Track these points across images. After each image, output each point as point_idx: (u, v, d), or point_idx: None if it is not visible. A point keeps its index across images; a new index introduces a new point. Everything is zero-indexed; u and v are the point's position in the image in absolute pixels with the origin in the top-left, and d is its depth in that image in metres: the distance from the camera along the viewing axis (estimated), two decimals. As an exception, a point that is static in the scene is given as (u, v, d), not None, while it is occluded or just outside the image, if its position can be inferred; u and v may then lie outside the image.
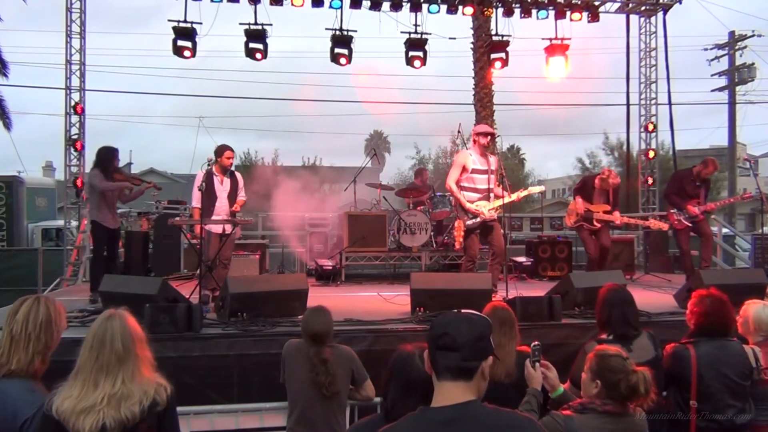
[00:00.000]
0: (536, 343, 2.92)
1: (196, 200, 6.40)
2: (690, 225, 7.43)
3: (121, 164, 7.41)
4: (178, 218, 6.40)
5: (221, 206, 6.47)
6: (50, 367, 2.44)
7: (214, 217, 6.36)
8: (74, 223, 9.98)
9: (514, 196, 6.41)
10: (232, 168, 6.70)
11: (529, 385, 2.85)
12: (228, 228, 6.43)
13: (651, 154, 11.51)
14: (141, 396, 2.07)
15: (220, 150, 6.53)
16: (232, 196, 6.57)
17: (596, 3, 10.51)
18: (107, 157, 6.90)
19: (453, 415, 1.60)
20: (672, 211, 7.56)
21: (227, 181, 6.55)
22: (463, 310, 1.80)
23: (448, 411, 1.62)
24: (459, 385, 1.65)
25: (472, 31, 12.15)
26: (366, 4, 9.58)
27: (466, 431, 1.59)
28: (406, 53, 9.84)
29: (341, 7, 9.45)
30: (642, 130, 11.64)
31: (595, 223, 7.46)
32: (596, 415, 2.50)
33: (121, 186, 7.02)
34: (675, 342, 3.47)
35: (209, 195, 6.34)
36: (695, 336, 3.40)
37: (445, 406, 1.63)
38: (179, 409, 2.32)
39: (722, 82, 22.08)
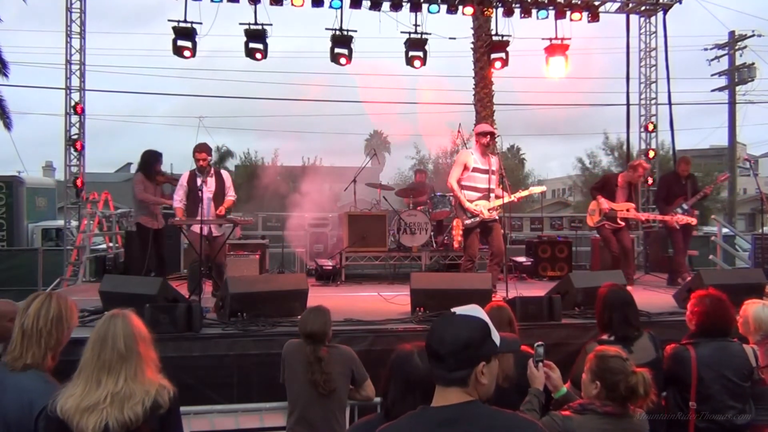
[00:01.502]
0: (540, 342, 2.91)
1: (177, 200, 6.33)
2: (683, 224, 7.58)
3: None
4: (178, 218, 6.35)
5: (205, 207, 6.13)
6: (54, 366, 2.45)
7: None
8: (74, 223, 9.97)
9: (514, 197, 6.42)
10: (220, 164, 6.63)
11: (531, 385, 2.85)
12: (214, 230, 6.26)
13: (651, 154, 11.50)
14: (143, 396, 2.07)
15: (192, 151, 6.37)
16: (218, 197, 6.36)
17: (596, 3, 10.49)
18: (149, 160, 7.39)
19: (452, 415, 1.60)
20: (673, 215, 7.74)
21: (211, 181, 6.32)
22: (459, 311, 1.75)
23: (448, 411, 1.62)
24: (453, 390, 1.65)
25: (472, 31, 12.15)
26: (366, 4, 9.57)
27: (465, 431, 1.59)
28: (406, 53, 9.83)
29: (341, 7, 9.45)
30: (642, 130, 11.62)
31: (618, 221, 7.33)
32: (596, 416, 2.50)
33: (156, 202, 7.48)
34: (675, 342, 3.47)
35: (193, 196, 6.17)
36: (695, 336, 3.40)
37: (445, 405, 1.63)
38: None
39: (722, 82, 22.11)
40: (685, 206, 7.67)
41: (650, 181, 11.49)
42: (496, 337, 1.73)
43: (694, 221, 7.62)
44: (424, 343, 1.84)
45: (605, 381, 2.54)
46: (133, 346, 2.13)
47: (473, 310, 1.77)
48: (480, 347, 1.66)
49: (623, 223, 7.39)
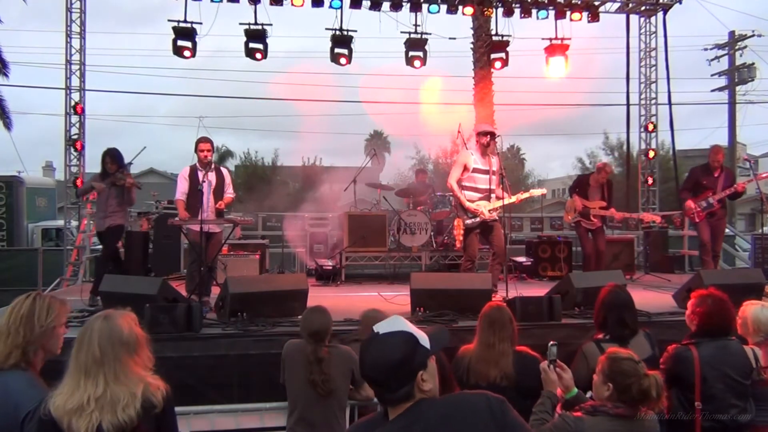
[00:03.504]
0: (553, 342, 2.91)
1: (180, 192, 6.27)
2: (706, 215, 7.31)
3: (128, 165, 7.12)
4: (178, 218, 6.34)
5: (205, 203, 6.08)
6: (50, 367, 2.43)
7: (198, 215, 5.97)
8: (74, 223, 9.97)
9: (515, 198, 6.42)
10: (220, 163, 6.55)
11: (545, 388, 2.85)
12: (213, 227, 6.21)
13: (651, 154, 11.50)
14: (129, 398, 2.05)
15: (195, 143, 6.29)
16: (218, 193, 6.31)
17: (596, 3, 10.50)
18: (101, 159, 6.80)
19: (406, 422, 1.63)
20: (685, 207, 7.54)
21: (212, 175, 6.26)
22: (381, 329, 1.71)
23: (401, 420, 1.65)
24: (402, 405, 1.66)
25: (472, 31, 12.16)
26: (366, 4, 9.58)
27: (422, 430, 1.62)
28: (406, 53, 9.84)
29: (341, 7, 9.46)
30: (642, 130, 11.63)
31: (592, 218, 7.69)
32: (607, 418, 2.51)
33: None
34: (675, 342, 3.47)
35: (193, 191, 6.12)
36: (697, 336, 3.39)
37: (397, 416, 1.66)
38: (179, 409, 2.31)
39: (722, 82, 22.11)
40: (711, 200, 7.29)
41: (650, 181, 11.51)
42: (424, 341, 1.70)
43: (657, 219, 8.06)
44: None
45: (617, 383, 2.55)
46: (108, 351, 2.09)
47: (395, 323, 1.73)
48: (413, 360, 1.66)
49: (598, 222, 7.74)
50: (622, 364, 2.58)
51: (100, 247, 7.23)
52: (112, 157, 6.70)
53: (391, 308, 5.82)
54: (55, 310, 2.43)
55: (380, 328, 1.72)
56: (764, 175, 7.71)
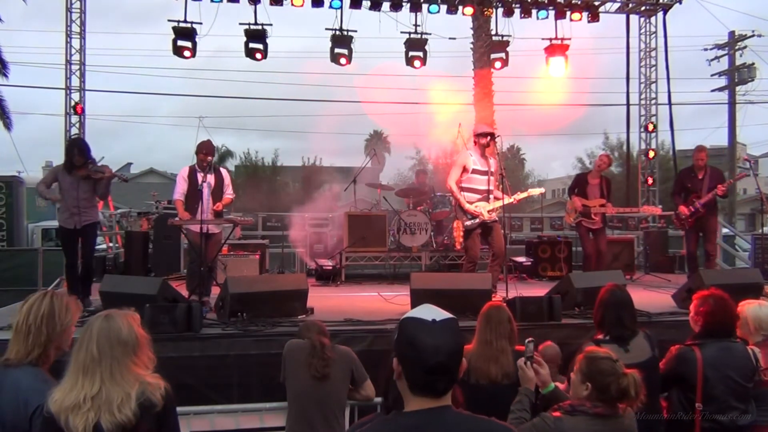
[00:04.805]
0: (530, 339, 2.92)
1: (179, 193, 6.26)
2: (694, 221, 7.25)
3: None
4: (177, 218, 6.34)
5: (204, 204, 6.01)
6: (54, 366, 2.44)
7: (196, 216, 5.96)
8: (74, 223, 9.95)
9: (513, 198, 6.41)
10: (220, 163, 6.54)
11: (522, 385, 2.85)
12: (212, 228, 6.21)
13: (651, 154, 11.52)
14: (123, 398, 2.05)
15: (197, 147, 6.29)
16: (217, 194, 6.31)
17: (596, 3, 10.52)
18: (66, 150, 6.32)
19: (422, 421, 1.55)
20: (677, 212, 7.50)
21: (210, 177, 6.24)
22: (435, 316, 1.63)
23: (419, 416, 1.56)
24: (437, 399, 1.58)
25: (472, 31, 12.16)
26: (366, 4, 9.60)
27: None
28: (406, 53, 9.86)
29: (341, 7, 9.47)
30: (642, 130, 11.65)
31: (593, 216, 7.69)
32: (587, 417, 2.49)
33: (50, 199, 6.34)
34: (675, 342, 3.47)
35: (192, 192, 6.13)
36: (701, 337, 3.38)
37: (417, 410, 1.57)
38: (179, 409, 2.30)
39: (722, 82, 22.08)
40: (697, 205, 7.15)
41: (650, 181, 11.51)
42: None
43: (657, 211, 8.66)
44: None
45: (596, 383, 2.53)
46: (106, 351, 2.09)
47: (435, 309, 1.67)
48: (463, 348, 1.67)
49: (600, 221, 7.74)
50: (601, 363, 2.56)
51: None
52: (80, 149, 6.06)
53: (391, 308, 5.83)
54: (72, 309, 2.47)
55: (432, 315, 1.63)
56: (740, 177, 7.81)
